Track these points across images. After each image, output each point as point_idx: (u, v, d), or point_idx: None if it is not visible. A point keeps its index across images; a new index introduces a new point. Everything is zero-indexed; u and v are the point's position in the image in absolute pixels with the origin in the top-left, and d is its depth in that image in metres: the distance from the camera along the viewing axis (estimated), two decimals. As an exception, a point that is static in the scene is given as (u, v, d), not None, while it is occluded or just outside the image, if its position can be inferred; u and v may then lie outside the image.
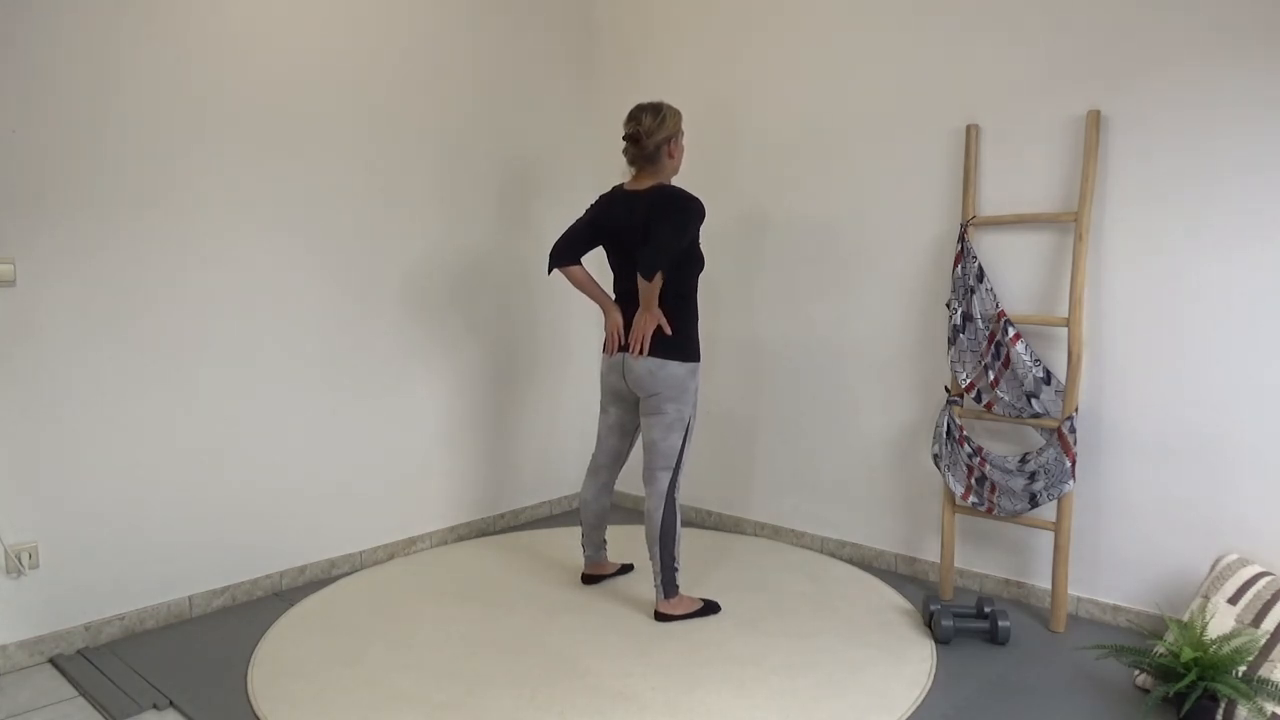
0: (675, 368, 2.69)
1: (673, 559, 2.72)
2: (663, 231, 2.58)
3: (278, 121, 2.97)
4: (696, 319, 2.76)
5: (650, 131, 2.67)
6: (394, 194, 3.33)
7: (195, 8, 2.76)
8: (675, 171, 2.78)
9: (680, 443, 2.72)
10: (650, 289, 2.62)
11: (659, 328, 2.67)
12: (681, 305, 2.71)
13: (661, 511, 2.70)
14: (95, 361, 2.61)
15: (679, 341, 2.69)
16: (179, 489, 2.81)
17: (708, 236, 3.70)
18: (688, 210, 2.62)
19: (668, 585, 2.73)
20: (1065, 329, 2.77)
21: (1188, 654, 2.09)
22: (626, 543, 3.53)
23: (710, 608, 2.80)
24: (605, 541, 3.07)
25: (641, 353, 2.68)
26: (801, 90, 3.38)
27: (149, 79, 2.67)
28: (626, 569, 3.18)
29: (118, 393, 2.66)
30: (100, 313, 2.61)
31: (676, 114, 2.72)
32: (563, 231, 2.86)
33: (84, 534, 2.61)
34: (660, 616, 2.75)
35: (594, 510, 3.00)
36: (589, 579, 3.07)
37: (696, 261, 2.72)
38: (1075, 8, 2.71)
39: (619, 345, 2.78)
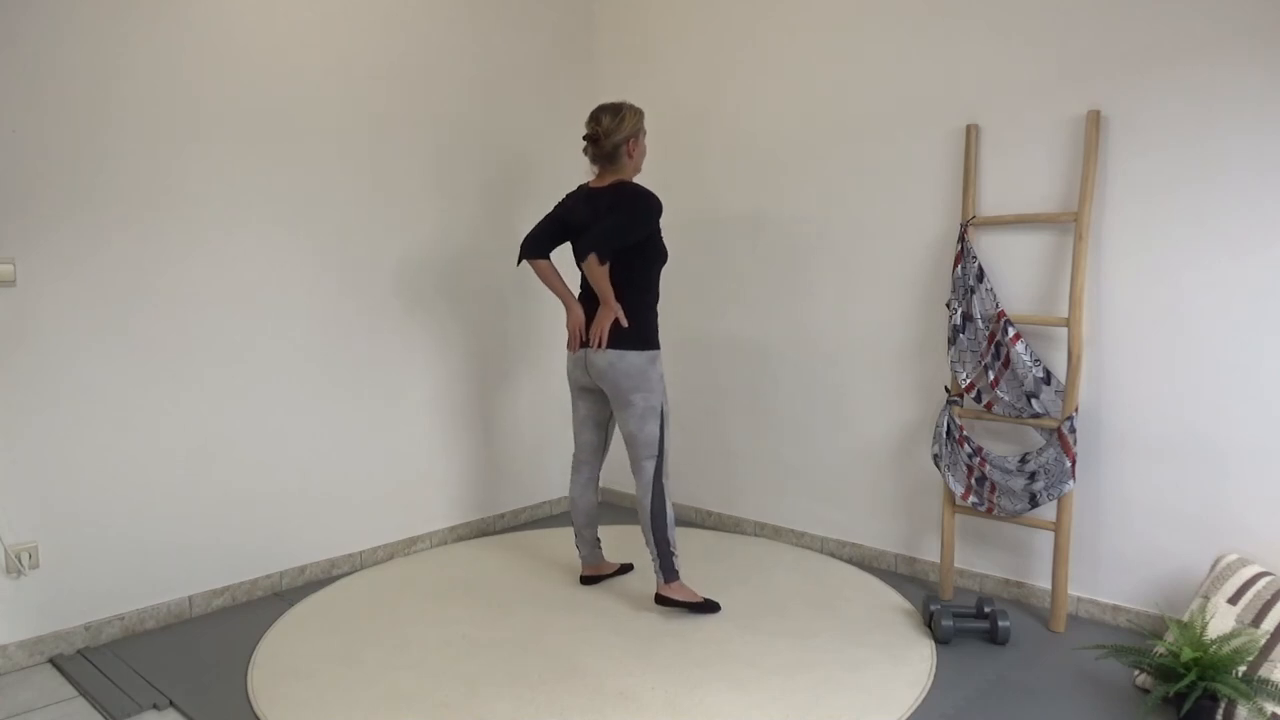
0: (634, 358, 2.73)
1: (668, 543, 2.75)
2: (608, 221, 2.67)
3: (277, 122, 2.98)
4: (654, 312, 2.81)
5: (609, 132, 2.75)
6: (392, 195, 3.33)
7: (194, 9, 2.76)
8: (637, 170, 2.84)
9: (658, 430, 2.77)
10: (597, 277, 2.67)
11: (616, 320, 2.73)
12: (638, 298, 2.77)
13: (650, 498, 2.76)
14: (95, 361, 2.61)
15: (634, 332, 2.75)
16: (179, 489, 2.81)
17: (708, 236, 3.70)
18: (644, 206, 2.70)
19: (666, 570, 2.76)
20: (1065, 329, 2.77)
21: (1188, 654, 2.09)
22: (626, 543, 3.53)
23: (710, 606, 2.80)
24: (599, 540, 3.09)
25: (601, 346, 2.73)
26: (801, 90, 3.38)
27: (149, 79, 2.67)
28: (626, 569, 3.18)
29: (118, 393, 2.66)
30: (100, 313, 2.61)
31: (637, 113, 2.78)
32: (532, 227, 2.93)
33: (84, 534, 2.61)
34: (660, 599, 2.78)
35: (581, 507, 3.02)
36: (587, 579, 3.07)
37: (655, 256, 2.78)
38: (1075, 8, 2.71)
39: (581, 341, 2.83)
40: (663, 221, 3.82)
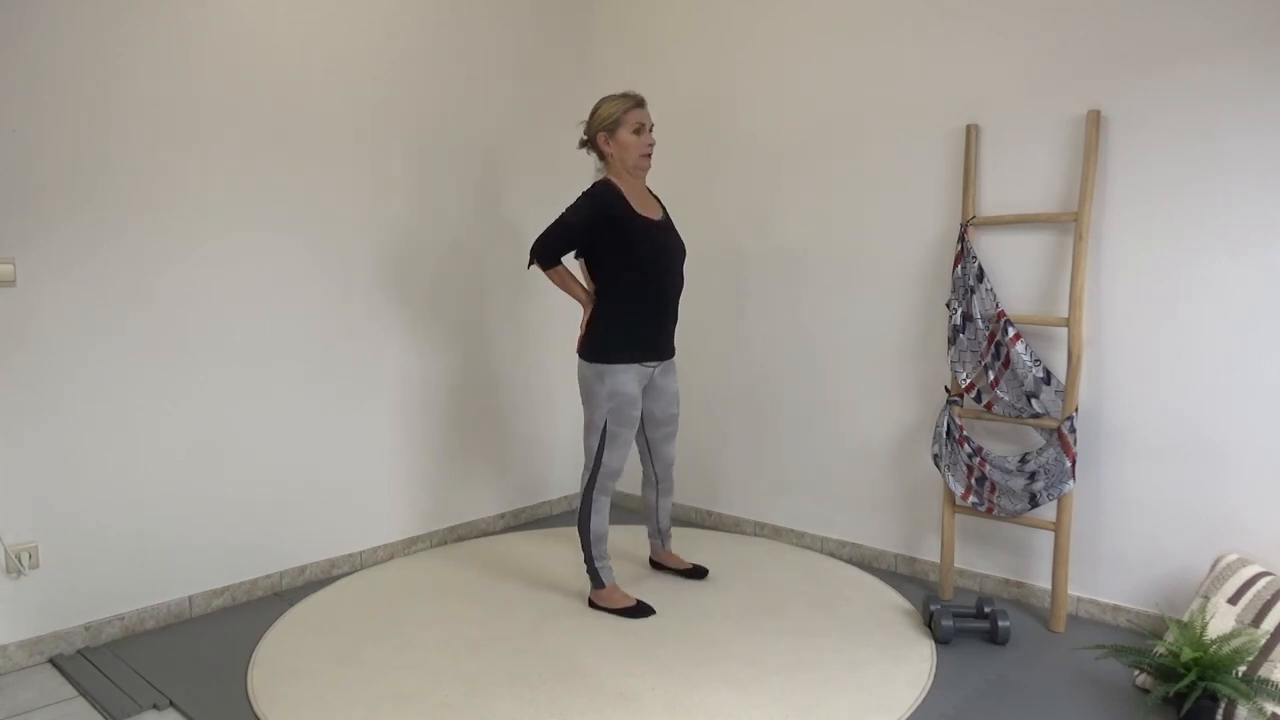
0: (583, 368, 2.74)
1: (590, 553, 2.80)
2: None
3: (277, 121, 2.98)
4: (621, 322, 2.71)
5: (586, 129, 2.76)
6: (392, 194, 3.33)
7: (194, 9, 2.76)
8: (626, 165, 2.72)
9: (597, 445, 2.74)
10: (554, 280, 2.77)
11: (591, 324, 2.74)
12: (601, 305, 2.74)
13: (579, 506, 2.82)
14: (95, 361, 2.61)
15: (588, 341, 2.73)
16: (179, 489, 2.81)
17: (707, 236, 3.70)
18: (570, 208, 2.69)
19: (591, 577, 2.83)
20: (1065, 329, 2.77)
21: (1188, 654, 2.09)
22: (629, 542, 3.53)
23: (641, 610, 2.79)
24: (660, 530, 3.14)
25: (578, 350, 2.80)
26: (802, 90, 3.38)
27: (149, 79, 2.67)
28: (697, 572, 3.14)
29: (118, 393, 2.66)
30: (100, 313, 2.61)
31: (612, 103, 2.70)
32: None
33: (84, 534, 2.61)
34: (590, 603, 2.86)
35: (643, 499, 3.15)
36: (654, 565, 3.21)
37: (615, 260, 2.67)
38: (1075, 8, 2.71)
39: None
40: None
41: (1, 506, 2.46)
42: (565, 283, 2.78)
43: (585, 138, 2.77)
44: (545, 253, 2.71)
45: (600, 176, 2.77)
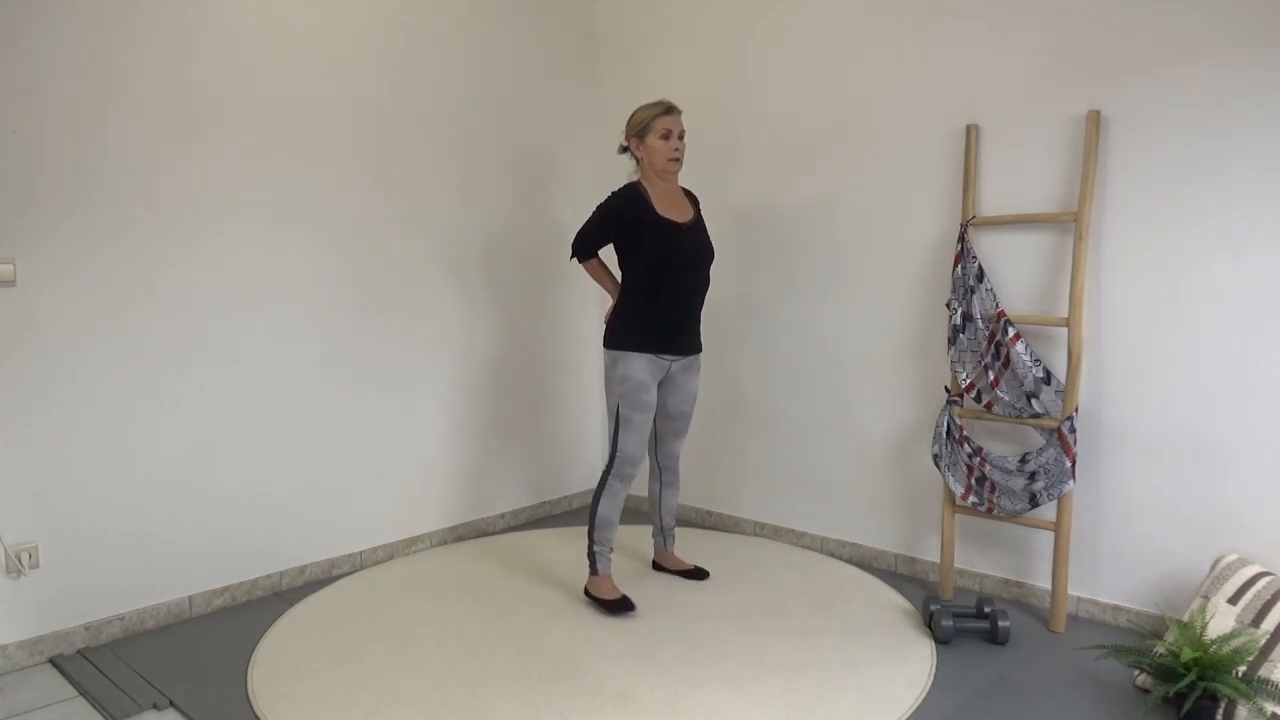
0: (604, 355, 2.87)
1: (592, 538, 2.84)
2: None
3: (278, 121, 2.98)
4: (637, 312, 2.81)
5: (624, 135, 2.90)
6: (394, 194, 3.33)
7: (195, 8, 2.76)
8: (655, 168, 2.85)
9: (614, 430, 2.82)
10: (588, 272, 3.00)
11: (613, 314, 2.86)
12: (622, 297, 2.86)
13: (593, 493, 2.87)
14: (95, 361, 2.61)
15: (607, 330, 2.86)
16: (179, 489, 2.81)
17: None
18: (600, 203, 2.85)
19: (589, 562, 2.87)
20: (1065, 329, 2.77)
21: (1188, 654, 2.09)
22: (634, 541, 3.53)
23: (620, 607, 2.79)
24: (664, 528, 3.16)
25: None
26: (802, 90, 3.38)
27: (149, 79, 2.67)
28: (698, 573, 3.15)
29: (118, 392, 2.66)
30: (100, 313, 2.61)
31: (641, 111, 2.86)
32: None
33: (84, 534, 2.61)
34: (585, 590, 2.91)
35: (650, 494, 3.17)
36: (656, 567, 3.22)
37: (631, 254, 2.80)
38: (1075, 8, 2.71)
39: None
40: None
41: (1, 506, 2.46)
42: (598, 275, 2.99)
43: (623, 144, 2.90)
44: (579, 247, 2.92)
45: (634, 178, 2.88)
